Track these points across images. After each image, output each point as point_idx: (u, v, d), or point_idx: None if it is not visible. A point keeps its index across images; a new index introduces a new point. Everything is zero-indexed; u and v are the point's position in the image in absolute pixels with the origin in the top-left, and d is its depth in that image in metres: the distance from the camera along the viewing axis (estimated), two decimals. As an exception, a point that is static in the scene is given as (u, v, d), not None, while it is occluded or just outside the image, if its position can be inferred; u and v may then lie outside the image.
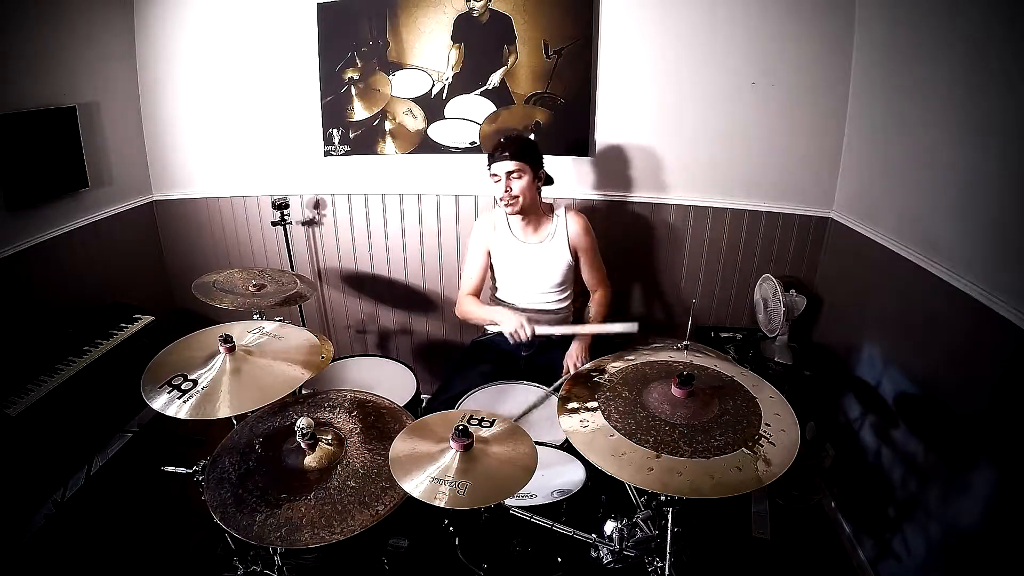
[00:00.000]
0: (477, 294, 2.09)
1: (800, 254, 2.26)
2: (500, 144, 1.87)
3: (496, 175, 1.86)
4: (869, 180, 1.97)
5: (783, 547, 1.96)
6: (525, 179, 1.86)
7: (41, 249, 2.16)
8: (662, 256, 2.39)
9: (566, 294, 2.07)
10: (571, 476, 1.48)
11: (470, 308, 2.04)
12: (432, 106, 2.34)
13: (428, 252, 2.58)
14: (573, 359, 1.92)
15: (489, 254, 2.06)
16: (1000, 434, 1.33)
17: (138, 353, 2.14)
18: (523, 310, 2.00)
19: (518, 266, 2.01)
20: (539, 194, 1.97)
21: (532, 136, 2.24)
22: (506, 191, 1.86)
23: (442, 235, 2.53)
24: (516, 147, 1.85)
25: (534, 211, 1.97)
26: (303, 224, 2.63)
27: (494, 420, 1.26)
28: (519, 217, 1.96)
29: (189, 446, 2.45)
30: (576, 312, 2.17)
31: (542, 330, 1.86)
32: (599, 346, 1.94)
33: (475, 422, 1.25)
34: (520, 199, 1.88)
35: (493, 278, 2.12)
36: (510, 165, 1.84)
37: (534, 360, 2.05)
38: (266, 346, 1.45)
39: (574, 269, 2.04)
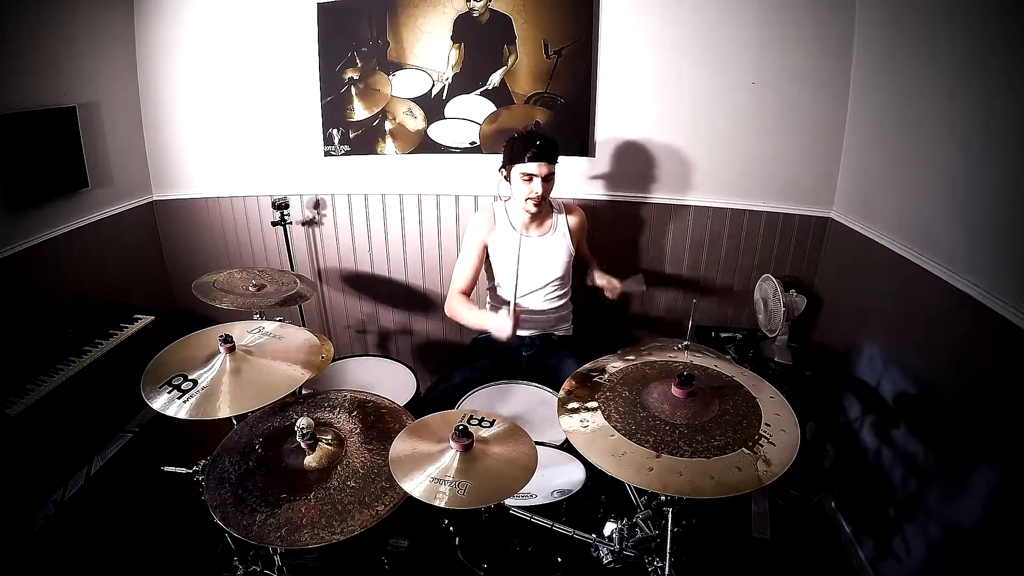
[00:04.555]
0: (468, 294, 2.07)
1: (800, 254, 2.26)
2: (538, 145, 1.83)
3: (529, 175, 1.85)
4: (869, 180, 1.97)
5: (783, 547, 1.96)
6: (553, 180, 1.90)
7: (41, 249, 2.16)
8: (662, 256, 2.39)
9: (565, 289, 2.08)
10: (571, 476, 1.48)
11: (459, 310, 2.01)
12: (432, 106, 2.34)
13: (428, 252, 2.58)
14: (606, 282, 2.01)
15: (485, 252, 2.06)
16: (1000, 434, 1.33)
17: (138, 353, 2.13)
18: (522, 309, 2.00)
19: (520, 260, 2.00)
20: None
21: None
22: (541, 192, 1.86)
23: (442, 235, 2.53)
24: (555, 150, 1.87)
25: (542, 207, 1.98)
26: (303, 224, 2.63)
27: (494, 420, 1.26)
28: (527, 213, 1.96)
29: (189, 446, 2.45)
30: (575, 313, 2.18)
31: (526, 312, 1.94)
32: (599, 346, 1.94)
33: (475, 422, 1.25)
34: (545, 199, 1.92)
35: (491, 276, 2.12)
36: (548, 168, 1.85)
37: (535, 360, 2.05)
38: (266, 346, 1.45)
39: (574, 264, 2.06)
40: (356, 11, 2.30)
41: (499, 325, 1.80)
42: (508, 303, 2.00)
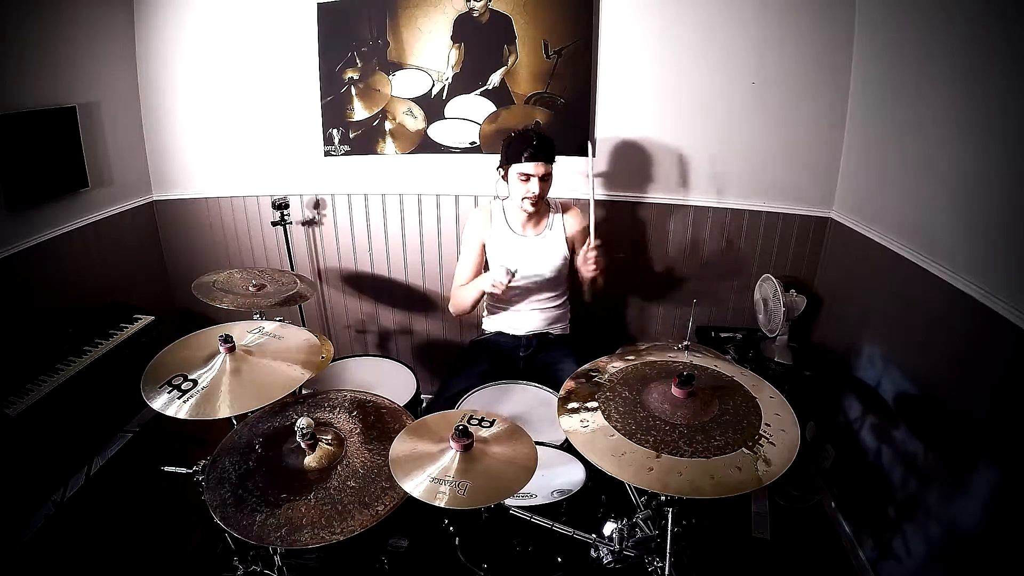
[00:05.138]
0: None
1: (800, 254, 2.26)
2: (534, 144, 1.83)
3: (526, 175, 1.85)
4: (869, 180, 1.97)
5: (783, 547, 1.96)
6: (550, 180, 1.90)
7: (41, 249, 2.16)
8: (662, 256, 2.39)
9: (561, 289, 2.08)
10: (571, 476, 1.48)
11: (460, 295, 2.03)
12: (432, 106, 2.34)
13: (428, 252, 2.58)
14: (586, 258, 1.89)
15: (484, 249, 2.06)
16: (1000, 434, 1.33)
17: (138, 353, 2.14)
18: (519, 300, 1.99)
19: (515, 260, 2.01)
20: None
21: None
22: (539, 192, 1.86)
23: (442, 235, 2.53)
24: (551, 150, 1.86)
25: (539, 207, 1.98)
26: (303, 224, 2.63)
27: (494, 420, 1.26)
28: (524, 212, 1.96)
29: (189, 446, 2.45)
30: (573, 312, 2.17)
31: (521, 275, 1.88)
32: (596, 345, 1.94)
33: (475, 422, 1.25)
34: (543, 199, 1.91)
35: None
36: (544, 168, 1.85)
37: (533, 359, 2.05)
38: (266, 346, 1.45)
39: (570, 264, 2.05)
40: (356, 11, 2.30)
41: (495, 278, 1.81)
42: (507, 302, 2.01)
